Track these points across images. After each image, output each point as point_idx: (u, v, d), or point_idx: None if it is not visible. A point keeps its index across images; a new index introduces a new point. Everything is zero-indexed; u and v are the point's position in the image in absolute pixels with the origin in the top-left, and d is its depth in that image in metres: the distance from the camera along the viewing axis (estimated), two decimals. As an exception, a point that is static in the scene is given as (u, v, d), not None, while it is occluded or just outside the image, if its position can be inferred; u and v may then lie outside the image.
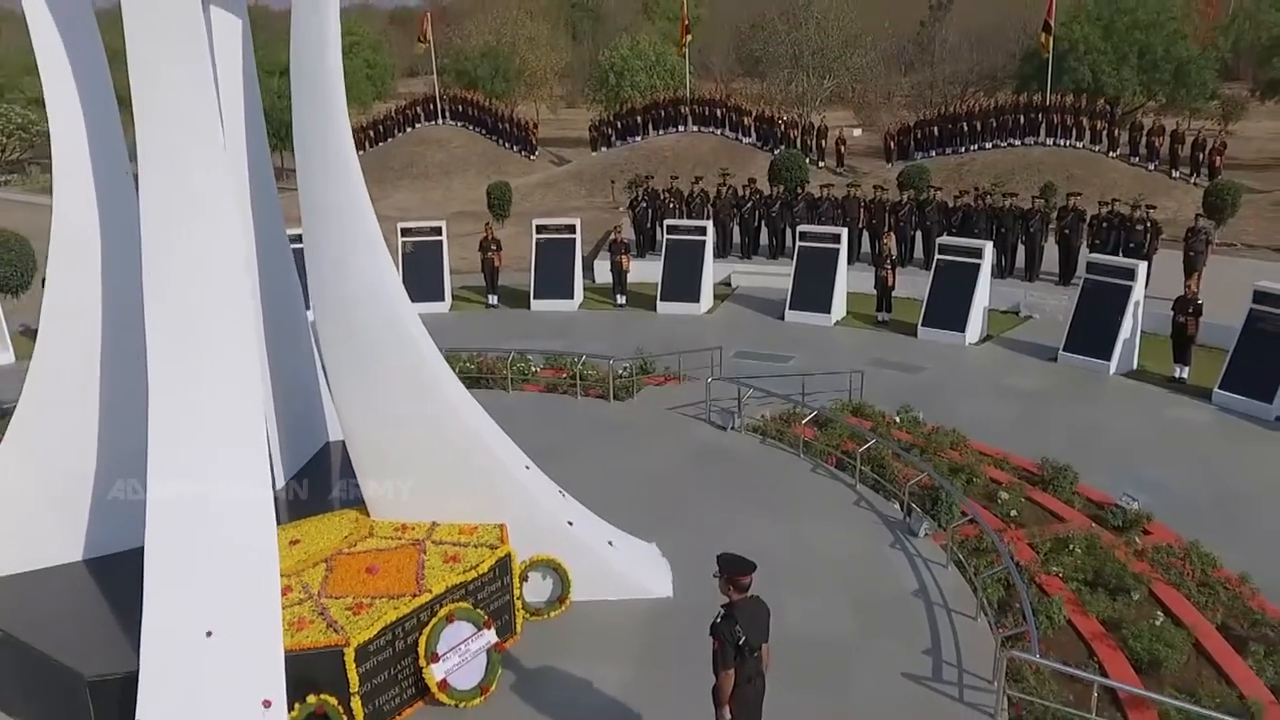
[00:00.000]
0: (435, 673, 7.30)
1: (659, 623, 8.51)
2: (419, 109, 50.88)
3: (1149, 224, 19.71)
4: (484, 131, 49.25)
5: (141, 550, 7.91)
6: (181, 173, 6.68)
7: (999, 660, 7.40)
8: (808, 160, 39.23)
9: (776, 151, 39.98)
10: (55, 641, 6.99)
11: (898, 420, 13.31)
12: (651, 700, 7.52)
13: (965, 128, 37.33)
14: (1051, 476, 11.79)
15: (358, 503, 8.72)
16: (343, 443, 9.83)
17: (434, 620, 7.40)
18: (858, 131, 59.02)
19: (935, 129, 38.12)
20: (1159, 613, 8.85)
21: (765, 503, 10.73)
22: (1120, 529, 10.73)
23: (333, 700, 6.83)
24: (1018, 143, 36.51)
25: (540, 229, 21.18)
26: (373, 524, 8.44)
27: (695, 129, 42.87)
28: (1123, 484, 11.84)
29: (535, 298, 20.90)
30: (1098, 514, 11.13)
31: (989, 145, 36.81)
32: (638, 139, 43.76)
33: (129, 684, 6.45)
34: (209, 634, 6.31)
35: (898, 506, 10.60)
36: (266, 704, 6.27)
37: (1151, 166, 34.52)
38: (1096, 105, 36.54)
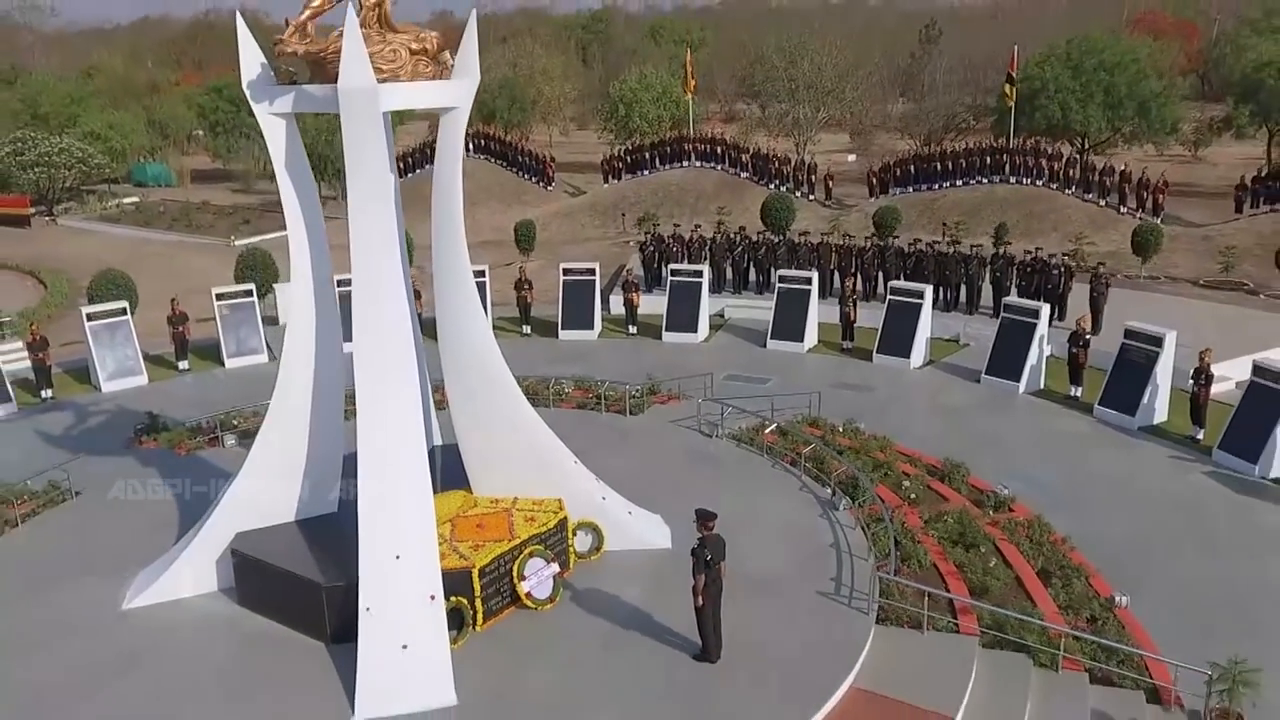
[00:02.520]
0: (523, 587, 11.77)
1: (661, 564, 12.92)
2: (444, 142, 55.35)
3: (1063, 268, 24.09)
4: (504, 164, 53.60)
5: (329, 515, 12.50)
6: (380, 268, 11.14)
7: (873, 580, 11.86)
8: (798, 194, 43.72)
9: (771, 186, 44.42)
10: (298, 564, 11.52)
11: (841, 430, 17.74)
12: (656, 608, 11.92)
13: (939, 167, 41.65)
14: (948, 470, 16.22)
15: (461, 484, 13.18)
16: (442, 447, 14.34)
17: (521, 555, 11.86)
18: (851, 157, 63.29)
19: (912, 167, 42.45)
20: (994, 559, 13.27)
21: (735, 487, 15.11)
22: (991, 508, 15.13)
23: (464, 600, 11.27)
24: (985, 181, 40.73)
25: (567, 271, 25.60)
26: (475, 499, 12.93)
27: (698, 164, 47.09)
28: (1003, 477, 16.24)
29: (562, 328, 25.32)
30: (978, 498, 15.52)
31: (959, 183, 41.08)
32: (646, 173, 48.09)
33: (349, 589, 10.88)
34: (398, 557, 10.74)
35: (828, 490, 15.02)
36: (432, 597, 10.71)
37: (1103, 202, 38.80)
38: (1052, 148, 40.93)
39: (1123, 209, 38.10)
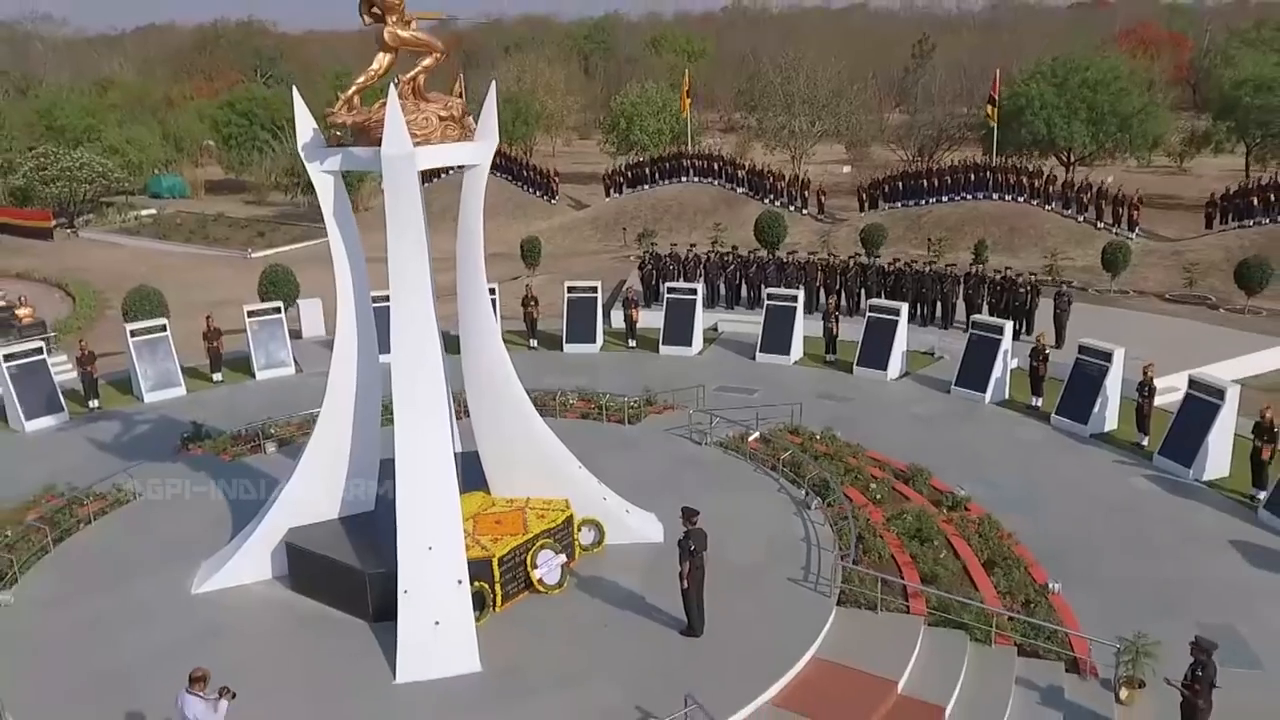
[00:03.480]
0: (536, 574, 13.74)
1: (655, 555, 14.85)
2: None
3: (1030, 287, 26.05)
4: (509, 178, 55.60)
5: (366, 513, 14.47)
6: (414, 300, 13.09)
7: (836, 569, 13.84)
8: (792, 208, 45.72)
9: (767, 201, 46.40)
10: (343, 554, 13.51)
11: (819, 437, 19.67)
12: (649, 592, 13.87)
13: (925, 184, 43.59)
14: (913, 474, 18.13)
15: (481, 486, 15.13)
16: (463, 454, 16.28)
17: (534, 547, 13.82)
18: (847, 169, 65.24)
19: (900, 184, 44.40)
20: (945, 551, 15.20)
21: (720, 489, 17.03)
22: (948, 507, 17.04)
23: (486, 585, 13.22)
24: (970, 197, 42.68)
25: (571, 289, 27.55)
26: (494, 499, 14.91)
27: (696, 180, 49.14)
28: (963, 479, 18.14)
29: (567, 342, 27.24)
30: (937, 498, 17.41)
31: (945, 199, 43.04)
32: (646, 187, 50.10)
33: (388, 576, 12.81)
34: (430, 548, 12.68)
35: (802, 492, 16.98)
36: (459, 582, 12.65)
37: (1081, 218, 40.75)
38: (1033, 166, 42.90)
39: (1099, 224, 40.03)
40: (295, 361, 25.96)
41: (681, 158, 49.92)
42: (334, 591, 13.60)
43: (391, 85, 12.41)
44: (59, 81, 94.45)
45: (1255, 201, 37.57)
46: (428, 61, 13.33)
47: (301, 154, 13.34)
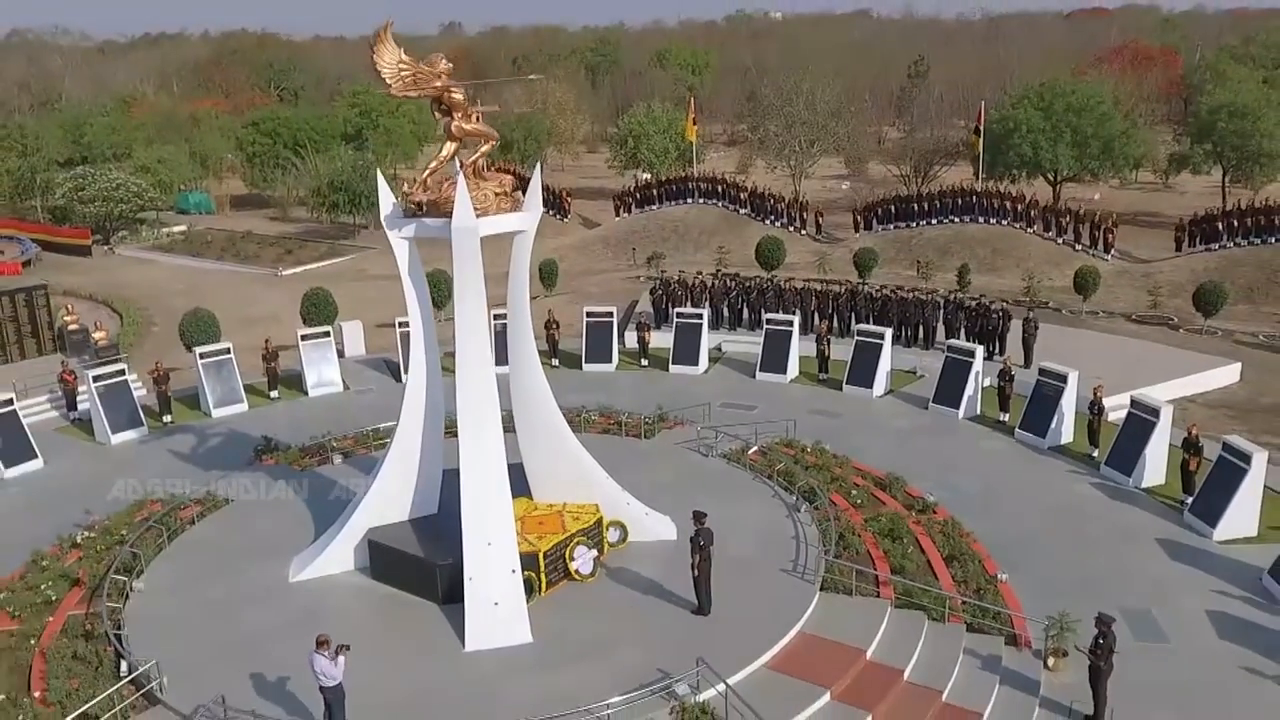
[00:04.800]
0: (573, 566, 16.73)
1: (669, 550, 17.82)
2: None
3: (1001, 313, 28.99)
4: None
5: (431, 516, 17.46)
6: (474, 335, 16.06)
7: (819, 561, 16.85)
8: (791, 228, 48.63)
9: (768, 221, 49.33)
10: (417, 549, 16.52)
11: (809, 449, 22.64)
12: (665, 580, 16.83)
13: (916, 207, 46.47)
14: (890, 482, 21.08)
15: (525, 493, 18.10)
16: (509, 465, 19.25)
17: (571, 543, 16.79)
18: (845, 185, 68.14)
19: (893, 207, 47.26)
20: (912, 547, 18.16)
21: (723, 495, 19.91)
22: (918, 511, 19.99)
23: (533, 574, 16.18)
24: (958, 220, 45.55)
25: (589, 314, 30.52)
26: (536, 503, 17.88)
27: (701, 201, 52.05)
28: (933, 486, 21.06)
29: (586, 362, 30.20)
30: (910, 503, 20.35)
31: (935, 222, 45.90)
32: (654, 207, 53.04)
33: (455, 567, 15.77)
34: (489, 543, 15.64)
35: (793, 498, 19.95)
36: (513, 571, 15.62)
37: (1060, 241, 43.63)
38: (1016, 192, 45.81)
39: (1077, 246, 42.90)
40: (343, 380, 28.92)
41: (687, 180, 52.81)
42: (409, 580, 16.60)
43: (459, 170, 15.40)
44: (79, 94, 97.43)
45: (1220, 226, 40.38)
46: (485, 148, 16.36)
47: (383, 223, 16.37)
